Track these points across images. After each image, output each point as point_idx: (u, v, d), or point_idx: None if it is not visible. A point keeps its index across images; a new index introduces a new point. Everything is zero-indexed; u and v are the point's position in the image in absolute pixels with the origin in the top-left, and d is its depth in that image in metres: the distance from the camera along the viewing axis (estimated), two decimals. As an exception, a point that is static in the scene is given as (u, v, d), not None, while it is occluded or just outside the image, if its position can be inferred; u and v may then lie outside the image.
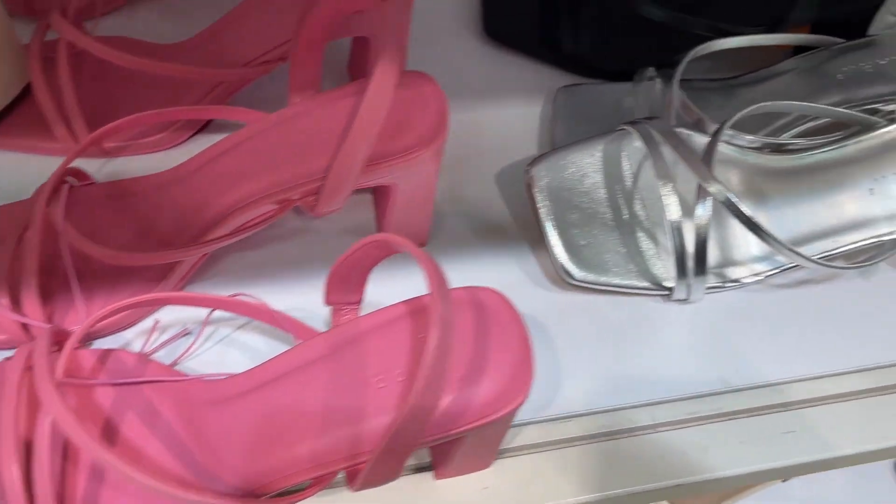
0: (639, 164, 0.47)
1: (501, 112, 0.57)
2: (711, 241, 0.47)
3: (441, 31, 0.61)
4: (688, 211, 0.44)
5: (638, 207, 0.47)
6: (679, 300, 0.47)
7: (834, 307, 0.48)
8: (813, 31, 0.58)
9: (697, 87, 0.56)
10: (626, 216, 0.47)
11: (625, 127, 0.47)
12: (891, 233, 0.45)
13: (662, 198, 0.44)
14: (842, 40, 0.54)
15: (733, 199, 0.42)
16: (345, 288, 0.35)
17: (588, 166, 0.47)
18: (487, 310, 0.34)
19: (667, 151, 0.45)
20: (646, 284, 0.46)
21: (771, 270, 0.47)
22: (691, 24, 0.55)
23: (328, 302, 0.36)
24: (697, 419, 0.44)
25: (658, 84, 0.54)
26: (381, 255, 0.32)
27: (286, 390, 0.34)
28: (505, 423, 0.35)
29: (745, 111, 0.45)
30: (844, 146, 0.46)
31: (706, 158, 0.44)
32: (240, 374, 0.37)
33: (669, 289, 0.46)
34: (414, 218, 0.45)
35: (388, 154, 0.40)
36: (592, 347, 0.46)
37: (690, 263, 0.44)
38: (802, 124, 0.51)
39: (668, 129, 0.45)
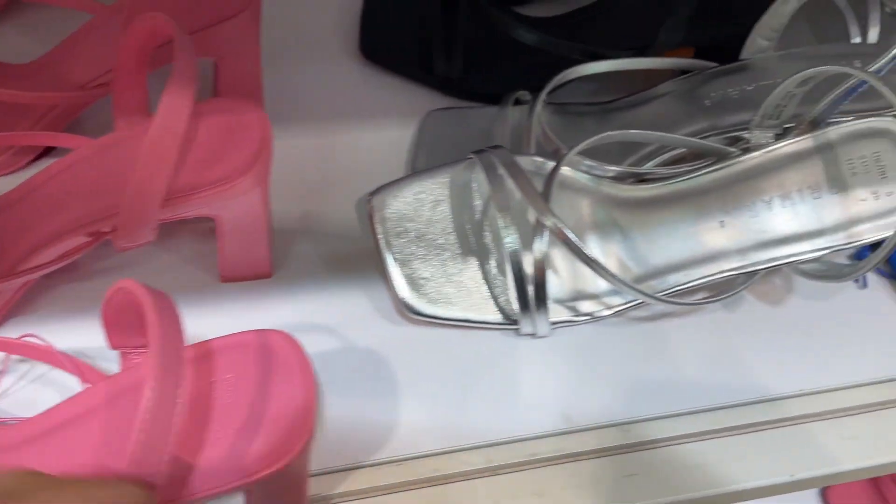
0: (488, 194, 0.46)
1: (373, 136, 0.55)
2: (565, 273, 0.45)
3: (316, 51, 0.59)
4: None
5: (487, 239, 0.45)
6: (529, 335, 0.45)
7: (694, 342, 0.46)
8: (699, 54, 0.57)
9: (572, 112, 0.55)
10: (473, 248, 0.45)
11: (471, 156, 0.45)
12: (742, 267, 0.44)
13: (501, 230, 0.42)
14: (715, 64, 0.52)
15: (568, 233, 0.41)
16: (123, 332, 0.33)
17: (434, 196, 0.45)
18: (275, 356, 0.32)
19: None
20: (493, 319, 0.44)
21: (626, 304, 0.45)
22: (564, 48, 0.54)
23: (112, 346, 0.34)
24: (537, 461, 0.42)
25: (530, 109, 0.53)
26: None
27: (61, 440, 0.32)
28: (293, 475, 0.33)
29: (588, 141, 0.44)
30: (697, 177, 0.45)
31: (546, 190, 0.42)
32: (26, 420, 0.35)
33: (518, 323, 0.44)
34: (250, 248, 0.43)
35: (200, 185, 0.38)
36: (436, 384, 0.44)
37: (532, 297, 0.43)
38: (667, 152, 0.50)
39: (510, 159, 0.43)
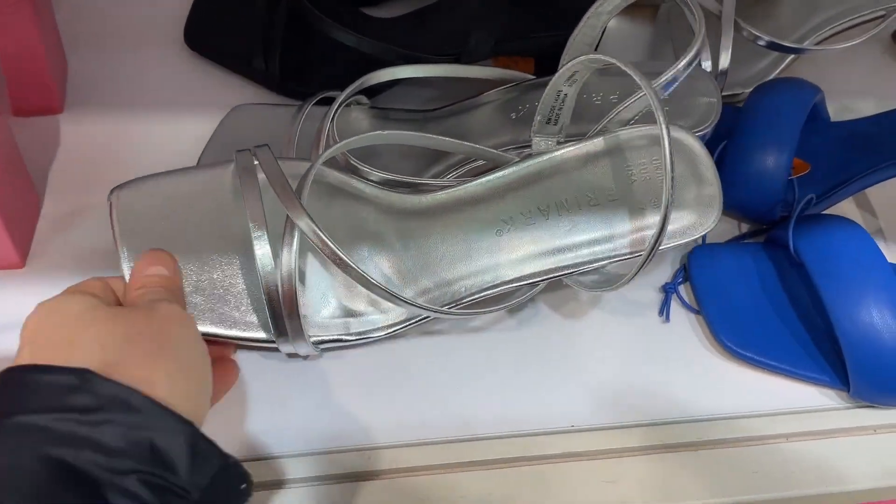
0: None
1: (179, 128, 0.52)
2: (334, 288, 0.42)
3: (138, 37, 0.57)
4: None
5: (244, 247, 0.41)
6: (293, 355, 0.42)
7: (483, 359, 0.44)
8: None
9: (393, 119, 0.52)
10: (230, 256, 0.41)
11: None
12: (521, 278, 0.41)
13: (253, 238, 0.39)
14: (532, 77, 0.50)
15: (323, 235, 0.37)
16: None
17: (189, 196, 0.42)
18: None
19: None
20: (246, 335, 0.41)
21: (403, 323, 0.42)
22: (380, 50, 0.51)
23: None
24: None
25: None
26: None
27: None
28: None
29: (338, 146, 0.41)
30: (474, 185, 0.42)
31: (299, 187, 0.39)
32: None
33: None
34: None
35: None
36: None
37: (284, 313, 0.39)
38: (472, 161, 0.47)
39: (269, 158, 0.40)
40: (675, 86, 0.41)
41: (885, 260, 0.44)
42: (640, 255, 0.39)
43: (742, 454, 0.44)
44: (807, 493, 0.43)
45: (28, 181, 0.45)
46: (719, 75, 0.56)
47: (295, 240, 0.39)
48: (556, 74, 0.40)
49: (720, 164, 0.53)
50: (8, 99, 0.50)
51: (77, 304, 0.32)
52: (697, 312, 0.47)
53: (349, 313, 0.42)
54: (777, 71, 0.61)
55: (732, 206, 0.53)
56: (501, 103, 0.50)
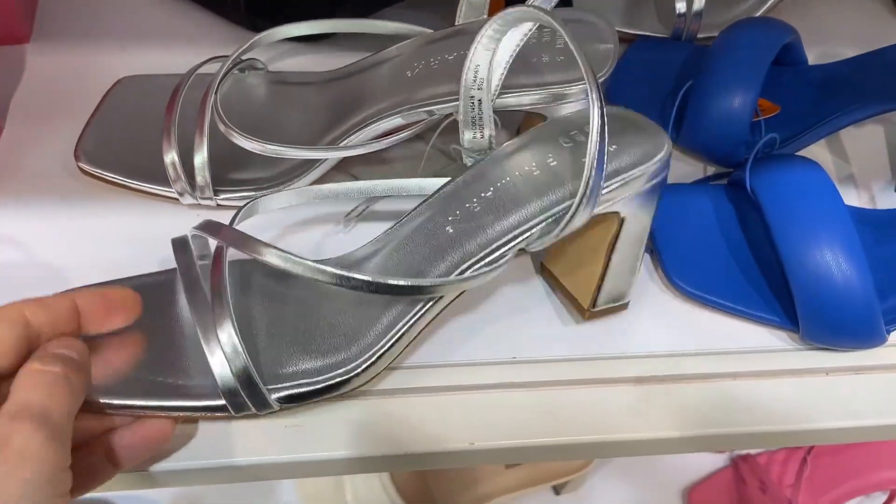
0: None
1: (145, 61, 0.52)
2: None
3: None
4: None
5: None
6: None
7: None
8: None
9: (292, 82, 0.49)
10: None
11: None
12: (482, 257, 0.37)
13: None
14: (430, 31, 0.46)
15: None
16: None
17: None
18: None
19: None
20: (180, 404, 0.36)
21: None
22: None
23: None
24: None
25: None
26: None
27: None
28: None
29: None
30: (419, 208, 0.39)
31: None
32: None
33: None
34: None
35: None
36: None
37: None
38: (377, 122, 0.44)
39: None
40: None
41: (841, 200, 0.42)
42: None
43: (685, 391, 0.43)
44: (748, 430, 0.42)
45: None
46: (694, 16, 0.55)
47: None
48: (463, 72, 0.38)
49: (685, 105, 0.52)
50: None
51: None
52: (651, 251, 0.47)
53: (313, 360, 0.37)
54: (760, 13, 0.59)
55: (696, 146, 0.50)
56: (399, 60, 0.46)
